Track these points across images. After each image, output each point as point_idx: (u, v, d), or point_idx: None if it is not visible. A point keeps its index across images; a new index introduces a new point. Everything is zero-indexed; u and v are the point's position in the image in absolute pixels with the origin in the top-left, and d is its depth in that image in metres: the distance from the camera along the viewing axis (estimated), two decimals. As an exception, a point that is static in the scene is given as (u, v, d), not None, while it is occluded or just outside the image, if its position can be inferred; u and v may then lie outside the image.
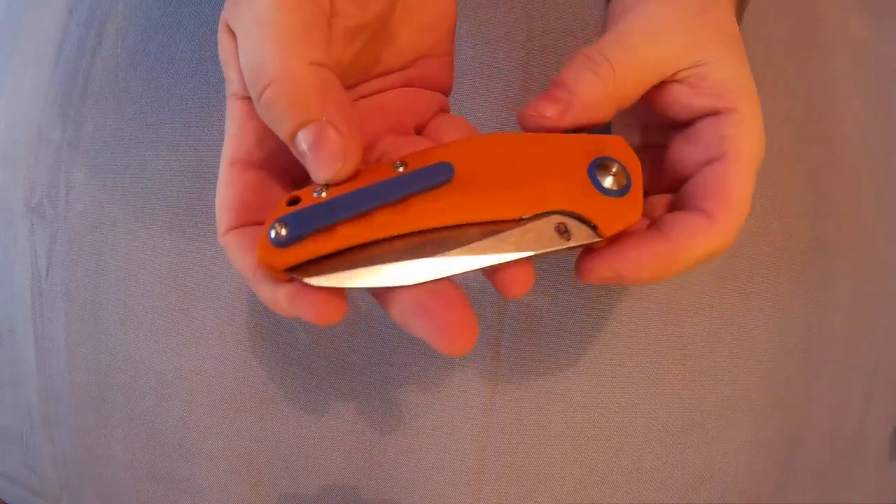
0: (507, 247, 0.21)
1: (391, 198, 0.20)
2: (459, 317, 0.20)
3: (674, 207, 0.25)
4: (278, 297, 0.20)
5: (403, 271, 0.20)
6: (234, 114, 0.23)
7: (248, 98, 0.21)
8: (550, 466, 0.34)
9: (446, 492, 0.35)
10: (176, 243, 0.36)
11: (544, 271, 0.34)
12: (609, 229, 0.22)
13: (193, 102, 0.37)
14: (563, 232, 0.22)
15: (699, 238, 0.23)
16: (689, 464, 0.35)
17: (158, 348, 0.36)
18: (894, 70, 0.40)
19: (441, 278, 0.20)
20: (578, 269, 0.23)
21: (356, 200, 0.20)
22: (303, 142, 0.20)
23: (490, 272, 0.21)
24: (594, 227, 0.22)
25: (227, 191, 0.22)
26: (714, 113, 0.24)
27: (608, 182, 0.22)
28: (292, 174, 0.23)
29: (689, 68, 0.24)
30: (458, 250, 0.21)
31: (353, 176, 0.21)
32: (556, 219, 0.22)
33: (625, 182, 0.22)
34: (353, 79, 0.25)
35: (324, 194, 0.21)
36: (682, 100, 0.25)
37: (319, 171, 0.20)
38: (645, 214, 0.25)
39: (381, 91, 0.26)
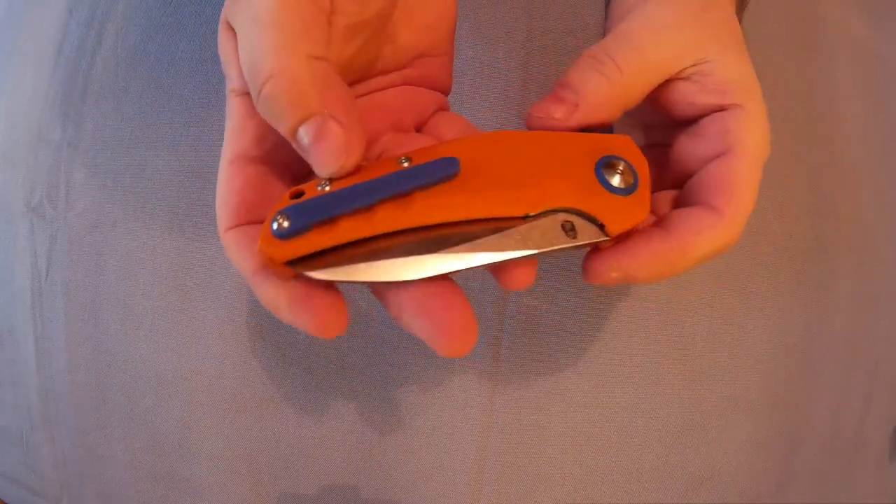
0: (512, 244, 0.21)
1: (395, 192, 0.20)
2: (459, 318, 0.20)
3: (679, 204, 0.25)
4: (279, 301, 0.20)
5: (406, 267, 0.20)
6: (234, 111, 0.23)
7: (249, 94, 0.21)
8: (550, 466, 0.34)
9: (446, 492, 0.35)
10: (176, 243, 0.36)
11: (544, 271, 0.34)
12: (616, 228, 0.22)
13: (193, 102, 0.37)
14: (569, 230, 0.22)
15: (706, 234, 0.23)
16: (689, 464, 0.35)
17: (158, 348, 0.36)
18: (894, 70, 0.40)
19: (444, 275, 0.20)
20: (586, 271, 0.23)
21: (359, 194, 0.20)
22: (305, 136, 0.20)
23: (493, 266, 0.21)
24: (601, 226, 0.22)
25: (227, 188, 0.22)
26: (719, 109, 0.24)
27: (615, 181, 0.22)
28: (294, 170, 0.23)
29: (694, 66, 0.24)
30: (462, 247, 0.20)
31: (357, 170, 0.21)
32: (563, 217, 0.22)
33: (632, 181, 0.22)
34: (353, 77, 0.25)
35: (327, 188, 0.21)
36: (687, 97, 0.25)
37: (322, 165, 0.20)
38: (650, 211, 0.25)
39: (380, 90, 0.26)
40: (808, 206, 0.36)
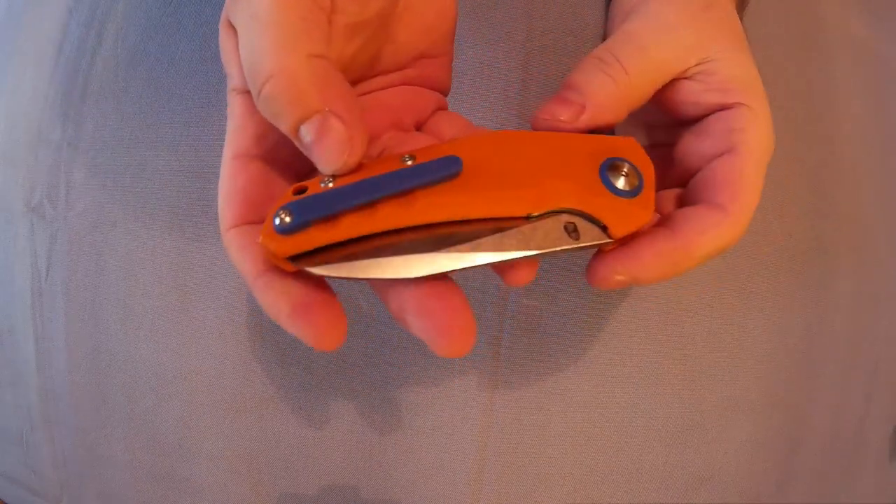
0: (514, 244, 0.21)
1: (397, 189, 0.20)
2: (459, 319, 0.20)
3: (683, 202, 0.25)
4: (279, 310, 0.20)
5: (407, 265, 0.20)
6: (235, 109, 0.23)
7: (250, 93, 0.21)
8: (550, 466, 0.34)
9: (446, 492, 0.35)
10: (176, 243, 0.36)
11: (544, 271, 0.34)
12: (619, 230, 0.22)
13: (193, 102, 0.37)
14: (571, 231, 0.21)
15: (711, 232, 0.23)
16: (689, 464, 0.35)
17: (158, 348, 0.36)
18: (894, 70, 0.40)
19: (444, 275, 0.20)
20: (591, 276, 0.23)
21: (362, 190, 0.20)
22: (307, 134, 0.20)
23: (494, 265, 0.21)
24: (604, 228, 0.22)
25: (230, 186, 0.22)
26: (723, 108, 0.24)
27: (620, 183, 0.22)
28: (295, 167, 0.23)
29: (698, 65, 0.24)
30: (463, 246, 0.20)
31: (360, 168, 0.21)
32: (566, 218, 0.21)
33: (636, 183, 0.22)
34: (354, 77, 0.25)
35: (330, 185, 0.21)
36: (691, 96, 0.25)
37: (325, 162, 0.20)
38: (655, 210, 0.25)
39: (380, 90, 0.26)
40: (808, 206, 0.36)
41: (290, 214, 0.20)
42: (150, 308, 0.37)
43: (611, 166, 0.22)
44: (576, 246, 0.21)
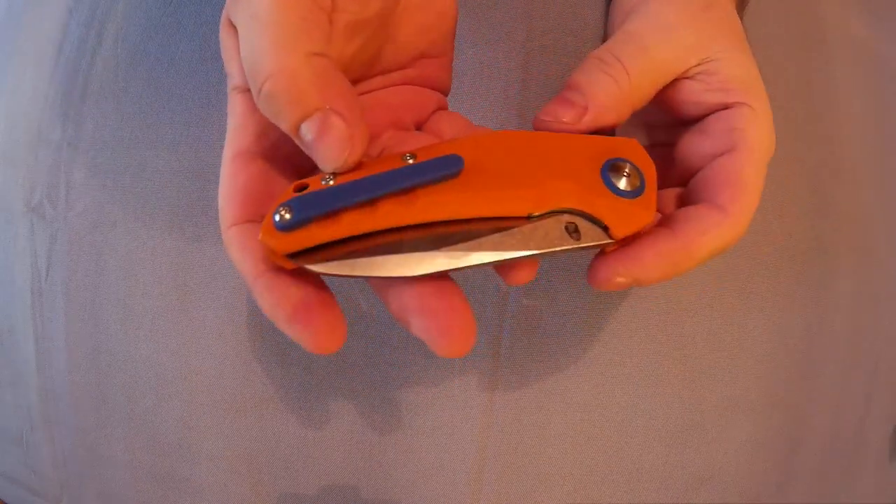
0: (515, 244, 0.21)
1: (398, 187, 0.20)
2: (459, 319, 0.20)
3: (683, 201, 0.25)
4: (278, 313, 0.20)
5: (407, 263, 0.20)
6: (236, 108, 0.23)
7: (250, 91, 0.21)
8: (550, 466, 0.34)
9: (446, 492, 0.35)
10: (176, 243, 0.36)
11: (544, 271, 0.34)
12: (621, 231, 0.22)
13: (193, 102, 0.37)
14: (572, 232, 0.21)
15: (712, 232, 0.23)
16: (689, 464, 0.35)
17: (158, 348, 0.36)
18: (894, 70, 0.40)
19: (444, 274, 0.20)
20: (592, 278, 0.23)
21: (362, 188, 0.20)
22: (307, 132, 0.20)
23: (494, 264, 0.21)
24: (605, 228, 0.22)
25: (231, 183, 0.22)
26: (724, 108, 0.24)
27: (621, 183, 0.22)
28: (296, 166, 0.23)
29: (699, 65, 0.24)
30: (464, 245, 0.20)
31: (361, 166, 0.21)
32: (567, 218, 0.21)
33: (638, 184, 0.22)
34: (354, 76, 0.25)
35: (331, 182, 0.21)
36: (692, 96, 0.25)
37: (326, 160, 0.20)
38: (657, 209, 0.25)
39: (380, 89, 0.26)
40: (808, 206, 0.36)
41: (290, 211, 0.20)
42: (150, 308, 0.37)
43: (612, 167, 0.22)
44: (576, 246, 0.21)
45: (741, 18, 0.27)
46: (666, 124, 0.28)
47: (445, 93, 0.28)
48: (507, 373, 0.34)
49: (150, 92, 0.38)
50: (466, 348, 0.19)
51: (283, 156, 0.23)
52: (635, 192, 0.22)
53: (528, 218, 0.21)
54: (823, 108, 0.37)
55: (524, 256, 0.21)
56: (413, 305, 0.20)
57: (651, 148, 0.27)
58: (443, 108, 0.28)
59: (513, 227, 0.21)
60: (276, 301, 0.20)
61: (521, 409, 0.34)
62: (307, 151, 0.21)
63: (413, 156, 0.22)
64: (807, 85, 0.38)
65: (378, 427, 0.35)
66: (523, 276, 0.22)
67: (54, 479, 0.40)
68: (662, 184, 0.27)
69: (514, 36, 0.36)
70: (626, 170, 0.22)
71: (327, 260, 0.20)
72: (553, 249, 0.21)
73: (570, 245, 0.21)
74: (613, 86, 0.24)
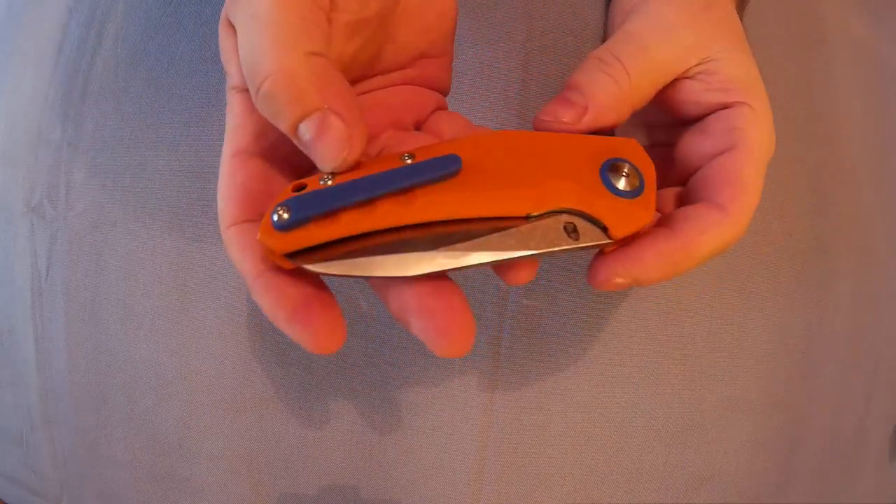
0: (514, 244, 0.21)
1: (396, 187, 0.20)
2: (459, 319, 0.20)
3: (683, 201, 0.25)
4: (277, 313, 0.20)
5: (405, 263, 0.20)
6: (234, 107, 0.23)
7: (249, 91, 0.21)
8: (550, 466, 0.34)
9: (446, 492, 0.35)
10: (176, 243, 0.36)
11: (544, 271, 0.34)
12: (620, 231, 0.22)
13: (193, 102, 0.37)
14: (571, 232, 0.21)
15: (712, 232, 0.23)
16: (689, 464, 0.35)
17: (158, 348, 0.36)
18: (894, 70, 0.40)
19: (443, 274, 0.20)
20: (593, 278, 0.23)
21: (361, 188, 0.20)
22: (306, 132, 0.20)
23: (494, 264, 0.21)
24: (604, 229, 0.22)
25: (230, 183, 0.22)
26: (724, 107, 0.24)
27: (621, 184, 0.22)
28: (295, 165, 0.23)
29: (699, 64, 0.24)
30: (462, 245, 0.20)
31: (360, 166, 0.21)
32: (565, 218, 0.21)
33: (637, 184, 0.22)
34: (354, 76, 0.25)
35: (330, 182, 0.21)
36: (692, 96, 0.25)
37: (325, 159, 0.20)
38: (656, 209, 0.25)
39: (380, 89, 0.26)
40: (808, 206, 0.36)
41: (288, 211, 0.20)
42: (150, 308, 0.37)
43: (611, 167, 0.22)
44: (576, 246, 0.21)
45: (741, 18, 0.27)
46: (666, 124, 0.28)
47: (445, 93, 0.28)
48: (507, 373, 0.34)
49: (150, 92, 0.38)
50: (466, 349, 0.19)
51: (282, 155, 0.23)
52: (634, 192, 0.22)
53: (527, 218, 0.21)
54: (823, 108, 0.37)
55: (523, 256, 0.21)
56: (412, 305, 0.20)
57: (651, 148, 0.27)
58: (442, 108, 0.28)
59: (511, 227, 0.21)
60: (276, 301, 0.20)
61: (521, 409, 0.34)
62: (306, 151, 0.21)
63: (412, 156, 0.22)
64: (807, 85, 0.38)
65: (378, 427, 0.35)
66: (523, 277, 0.22)
67: (54, 479, 0.40)
68: (662, 184, 0.27)
69: (514, 36, 0.36)
70: (626, 170, 0.22)
71: (326, 260, 0.20)
72: (552, 249, 0.21)
73: (569, 245, 0.21)
74: (613, 86, 0.24)
